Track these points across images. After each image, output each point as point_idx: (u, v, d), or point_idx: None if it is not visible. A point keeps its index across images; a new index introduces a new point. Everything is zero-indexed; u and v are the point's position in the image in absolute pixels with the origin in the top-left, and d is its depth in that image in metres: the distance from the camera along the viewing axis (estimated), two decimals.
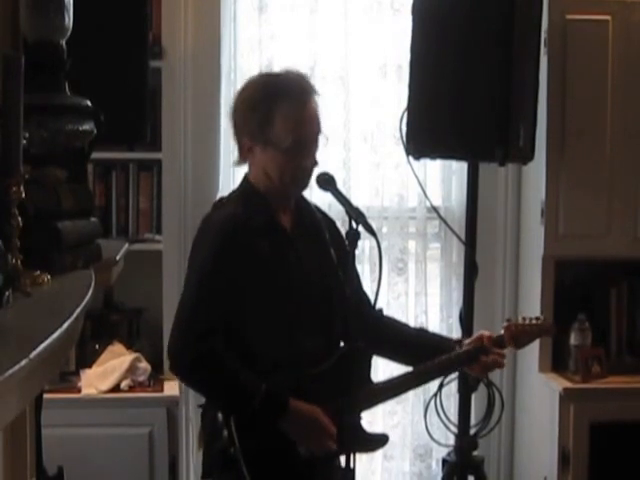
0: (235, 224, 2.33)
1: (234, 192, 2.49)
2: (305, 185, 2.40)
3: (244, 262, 2.30)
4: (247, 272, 2.31)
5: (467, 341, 2.59)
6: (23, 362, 1.01)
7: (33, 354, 1.05)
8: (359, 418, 2.44)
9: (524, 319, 2.68)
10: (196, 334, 2.25)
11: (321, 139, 2.37)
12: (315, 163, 2.37)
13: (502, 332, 2.63)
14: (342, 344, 2.43)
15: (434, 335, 2.75)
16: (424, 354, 2.51)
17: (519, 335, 2.63)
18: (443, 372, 2.63)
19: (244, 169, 2.49)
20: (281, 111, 2.32)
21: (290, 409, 2.27)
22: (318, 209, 2.52)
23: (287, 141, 2.31)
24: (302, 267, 2.40)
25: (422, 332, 2.75)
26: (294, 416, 2.28)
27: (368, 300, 2.52)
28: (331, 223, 2.52)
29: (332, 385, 2.32)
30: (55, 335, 1.16)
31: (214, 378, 2.29)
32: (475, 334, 2.62)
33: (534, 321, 2.68)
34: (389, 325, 2.63)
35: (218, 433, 2.29)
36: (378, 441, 2.52)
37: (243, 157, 2.41)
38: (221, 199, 2.53)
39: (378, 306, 2.54)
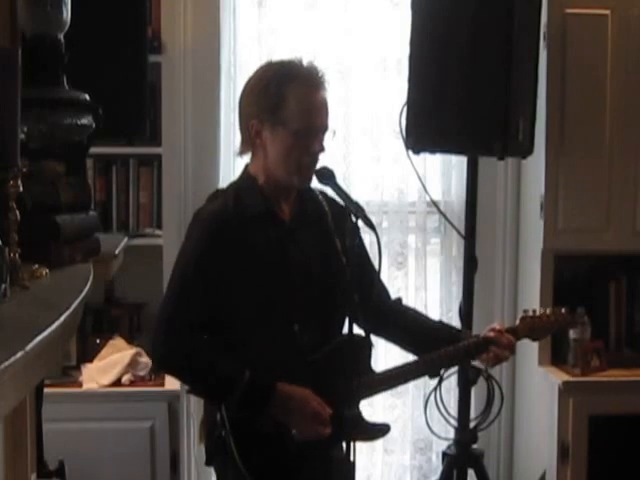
0: (223, 218, 2.33)
1: (232, 184, 2.49)
2: (309, 175, 2.35)
3: (234, 255, 2.30)
4: (238, 264, 2.30)
5: (481, 334, 2.56)
6: (19, 354, 1.02)
7: (29, 346, 1.05)
8: (358, 407, 2.42)
9: (541, 310, 2.67)
10: (176, 327, 2.27)
11: (329, 133, 2.36)
12: (322, 149, 2.35)
13: (517, 323, 2.63)
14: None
15: (452, 327, 2.68)
16: (440, 343, 2.48)
17: (535, 326, 2.62)
18: (450, 362, 2.56)
19: (245, 162, 2.48)
20: (294, 92, 2.30)
21: (277, 393, 2.26)
22: (326, 197, 2.47)
23: (298, 123, 2.30)
24: (301, 257, 2.39)
25: (440, 323, 2.70)
26: (283, 400, 2.27)
27: (385, 289, 2.56)
28: (340, 211, 2.36)
29: (329, 374, 2.32)
30: (52, 327, 1.16)
31: (194, 369, 2.29)
32: (488, 326, 2.60)
33: (551, 312, 2.66)
34: (407, 312, 2.62)
35: (215, 418, 2.30)
36: (379, 430, 2.50)
37: (249, 143, 2.38)
38: (217, 191, 2.52)
39: (396, 295, 2.64)
